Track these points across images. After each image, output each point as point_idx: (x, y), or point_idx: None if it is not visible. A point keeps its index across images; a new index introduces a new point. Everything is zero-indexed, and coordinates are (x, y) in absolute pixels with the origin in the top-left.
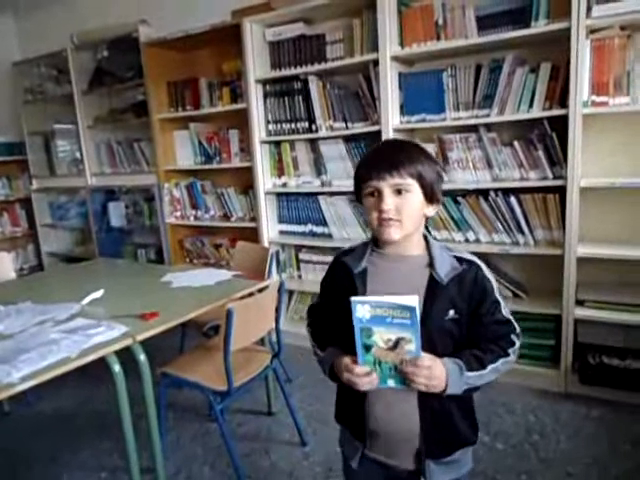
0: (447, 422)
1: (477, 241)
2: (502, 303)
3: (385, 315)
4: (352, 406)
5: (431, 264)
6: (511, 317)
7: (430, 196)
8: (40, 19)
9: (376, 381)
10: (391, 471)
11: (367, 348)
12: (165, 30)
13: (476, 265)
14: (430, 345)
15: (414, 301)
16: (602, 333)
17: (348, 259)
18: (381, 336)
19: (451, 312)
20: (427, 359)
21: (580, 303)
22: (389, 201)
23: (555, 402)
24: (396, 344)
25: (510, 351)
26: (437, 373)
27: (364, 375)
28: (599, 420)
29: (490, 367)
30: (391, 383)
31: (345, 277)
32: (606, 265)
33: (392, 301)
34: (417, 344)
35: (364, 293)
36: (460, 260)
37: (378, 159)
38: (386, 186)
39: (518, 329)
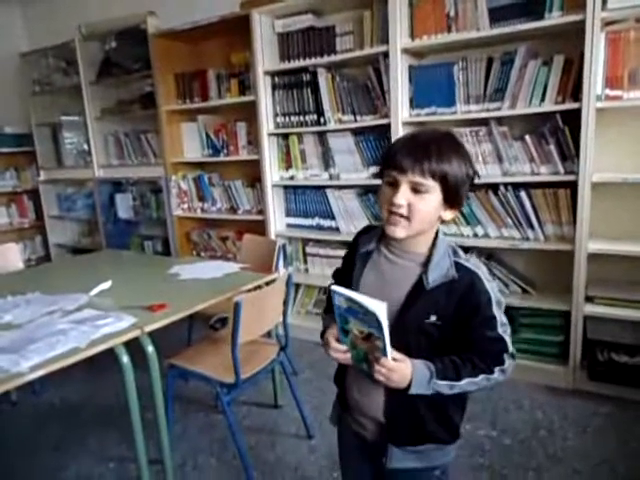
0: (412, 416)
1: (486, 236)
2: (499, 320)
3: (357, 310)
4: (340, 372)
5: (425, 265)
6: (506, 336)
7: (451, 200)
8: (47, 10)
9: (349, 360)
10: (363, 438)
11: (346, 332)
12: (170, 22)
13: (475, 276)
14: (404, 344)
15: (380, 309)
16: (612, 330)
17: (362, 238)
18: (356, 326)
19: (433, 317)
20: (390, 362)
21: (590, 299)
22: (403, 197)
23: (563, 398)
24: (369, 336)
25: (496, 369)
26: (397, 377)
27: (338, 351)
28: (607, 417)
29: (466, 380)
30: (364, 366)
31: (353, 253)
32: (616, 261)
33: (361, 301)
34: (384, 344)
35: (360, 275)
36: (459, 267)
37: (404, 149)
38: (404, 181)
39: (512, 349)
